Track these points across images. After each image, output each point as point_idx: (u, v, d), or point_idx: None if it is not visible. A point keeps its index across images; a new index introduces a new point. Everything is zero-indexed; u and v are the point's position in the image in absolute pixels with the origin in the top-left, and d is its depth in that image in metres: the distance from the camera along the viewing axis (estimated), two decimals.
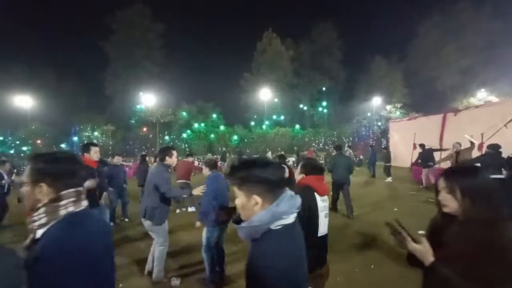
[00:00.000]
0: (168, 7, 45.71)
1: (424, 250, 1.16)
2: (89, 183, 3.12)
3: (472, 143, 7.16)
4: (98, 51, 28.40)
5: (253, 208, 1.01)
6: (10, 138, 20.20)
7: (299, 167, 2.09)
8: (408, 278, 2.76)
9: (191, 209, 6.79)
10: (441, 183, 1.22)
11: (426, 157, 8.96)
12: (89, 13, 37.05)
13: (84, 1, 38.39)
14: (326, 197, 1.99)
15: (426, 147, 9.31)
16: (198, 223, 3.37)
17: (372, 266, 3.57)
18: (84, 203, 1.12)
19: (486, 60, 27.16)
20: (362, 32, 41.70)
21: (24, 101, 21.11)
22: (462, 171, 1.21)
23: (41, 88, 24.54)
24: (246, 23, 47.26)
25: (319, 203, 1.91)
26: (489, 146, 5.35)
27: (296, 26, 44.36)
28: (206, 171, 3.52)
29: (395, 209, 6.40)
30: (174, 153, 3.41)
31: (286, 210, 1.01)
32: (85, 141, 21.41)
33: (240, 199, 1.05)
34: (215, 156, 19.51)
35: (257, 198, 1.00)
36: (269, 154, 18.62)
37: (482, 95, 24.26)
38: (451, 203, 1.17)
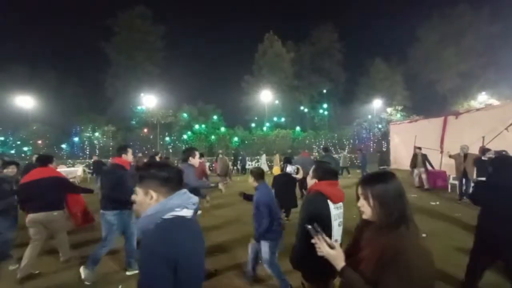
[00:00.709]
0: (169, 9, 46.04)
1: (336, 255, 1.16)
2: None
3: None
4: (99, 52, 28.50)
5: (149, 202, 1.11)
6: (11, 139, 20.23)
7: (311, 171, 1.93)
8: None
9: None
10: (359, 190, 1.23)
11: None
12: (90, 14, 37.22)
13: (85, 2, 38.58)
14: (341, 204, 1.85)
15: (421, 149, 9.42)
16: (252, 240, 2.97)
17: None
18: None
19: (486, 63, 27.25)
20: (362, 35, 41.69)
21: (25, 102, 21.13)
22: (373, 178, 1.21)
23: (42, 89, 24.54)
24: (247, 25, 47.34)
25: (332, 211, 1.77)
26: (482, 151, 5.84)
27: (297, 28, 44.30)
28: (252, 181, 3.02)
29: None
30: (197, 153, 3.57)
31: (179, 203, 1.10)
32: (86, 142, 21.63)
33: (139, 195, 1.13)
34: (214, 158, 19.46)
35: (153, 193, 1.11)
36: (264, 157, 18.60)
37: (482, 98, 24.30)
38: (366, 209, 1.17)
